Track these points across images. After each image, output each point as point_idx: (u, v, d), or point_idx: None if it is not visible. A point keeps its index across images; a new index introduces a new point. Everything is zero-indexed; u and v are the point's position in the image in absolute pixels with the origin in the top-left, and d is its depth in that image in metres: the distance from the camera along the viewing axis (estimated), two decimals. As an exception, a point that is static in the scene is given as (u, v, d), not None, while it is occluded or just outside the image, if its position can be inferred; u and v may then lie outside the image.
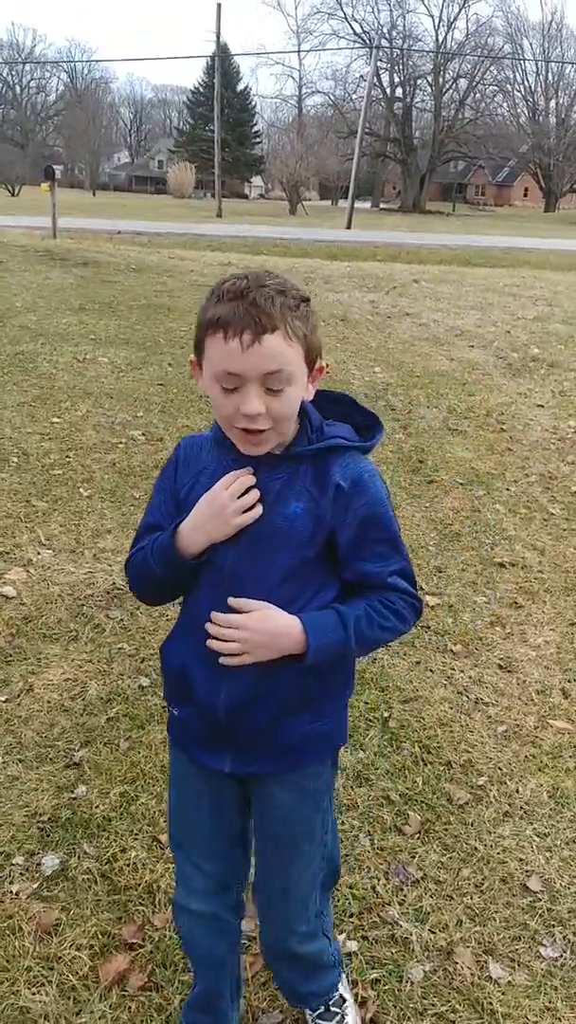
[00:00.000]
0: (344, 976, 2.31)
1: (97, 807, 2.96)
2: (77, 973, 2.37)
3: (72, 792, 3.03)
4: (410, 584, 1.79)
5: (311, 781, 1.89)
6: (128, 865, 2.73)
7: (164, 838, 2.83)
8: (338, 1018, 2.21)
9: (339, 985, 2.25)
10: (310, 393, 1.73)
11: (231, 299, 1.58)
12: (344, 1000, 2.25)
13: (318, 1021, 2.22)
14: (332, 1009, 2.22)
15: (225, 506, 1.69)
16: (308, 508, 1.71)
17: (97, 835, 2.85)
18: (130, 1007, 2.28)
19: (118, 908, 2.59)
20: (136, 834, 2.86)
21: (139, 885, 2.66)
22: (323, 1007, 2.22)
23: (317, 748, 1.87)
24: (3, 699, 3.53)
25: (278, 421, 1.65)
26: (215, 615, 1.73)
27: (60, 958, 2.41)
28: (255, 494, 1.71)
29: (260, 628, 1.69)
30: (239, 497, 1.70)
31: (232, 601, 1.72)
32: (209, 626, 1.73)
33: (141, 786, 3.07)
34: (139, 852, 2.78)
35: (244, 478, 1.70)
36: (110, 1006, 2.28)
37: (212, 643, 1.73)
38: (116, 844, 2.81)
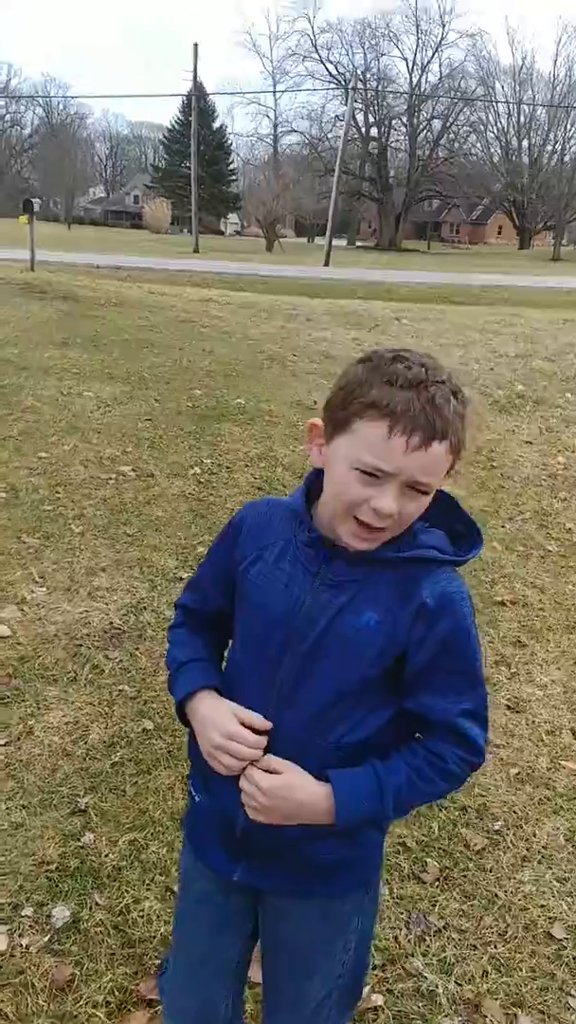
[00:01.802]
0: None
1: (106, 856, 2.88)
2: (95, 1033, 2.28)
3: (79, 840, 2.94)
4: (480, 728, 1.57)
5: (332, 914, 1.68)
6: (142, 916, 2.65)
7: (177, 888, 2.75)
8: None
9: None
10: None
11: (406, 387, 1.40)
12: None
13: None
14: None
15: (218, 747, 1.56)
16: (383, 621, 1.50)
17: (108, 885, 2.77)
18: (152, 1068, 2.20)
19: (134, 962, 2.50)
20: (148, 884, 2.78)
21: (154, 937, 2.58)
22: None
23: (346, 879, 1.66)
24: (3, 742, 3.43)
25: (401, 526, 1.50)
26: (248, 773, 1.56)
27: (76, 1016, 2.32)
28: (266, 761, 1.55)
29: (285, 796, 1.53)
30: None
31: (262, 763, 1.55)
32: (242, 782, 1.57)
33: (151, 833, 2.99)
34: (152, 903, 2.70)
35: (246, 750, 1.55)
36: (131, 1068, 2.20)
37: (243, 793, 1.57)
38: (128, 895, 2.73)
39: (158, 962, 2.50)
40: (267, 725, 1.56)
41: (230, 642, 1.74)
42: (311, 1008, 1.73)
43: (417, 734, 1.60)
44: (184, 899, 1.85)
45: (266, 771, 1.54)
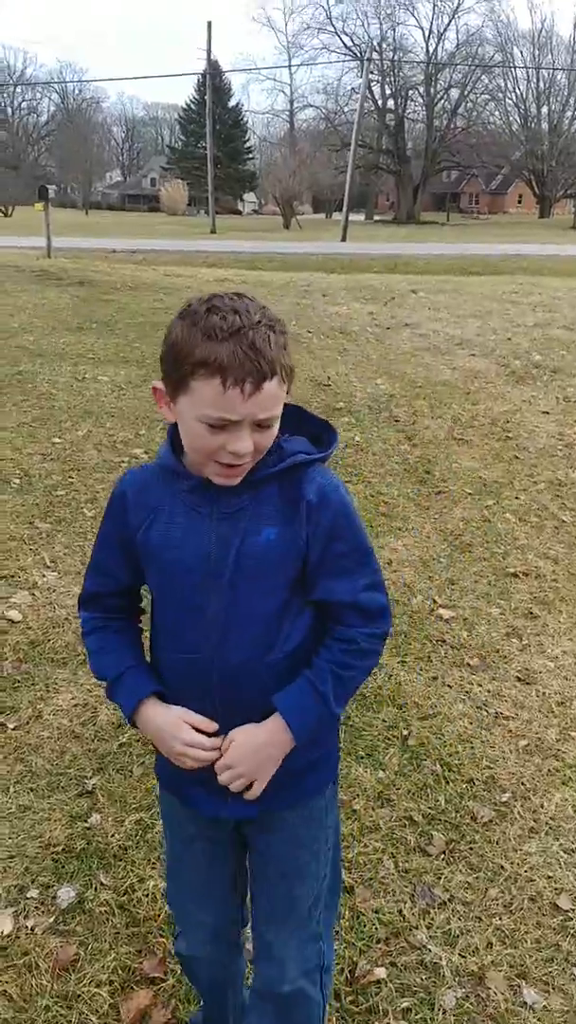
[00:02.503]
0: None
1: (112, 836, 2.89)
2: (97, 1011, 2.29)
3: (86, 821, 2.96)
4: (381, 595, 1.70)
5: (312, 812, 1.82)
6: (147, 895, 2.66)
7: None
8: None
9: None
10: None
11: (226, 339, 1.47)
12: None
13: None
14: None
15: (181, 753, 1.67)
16: (281, 532, 1.62)
17: (113, 865, 2.78)
18: (153, 1046, 2.21)
19: (138, 941, 2.51)
20: (154, 863, 2.78)
21: (158, 916, 2.59)
22: None
23: (317, 776, 1.82)
24: (12, 726, 3.45)
25: (259, 454, 1.59)
26: (217, 769, 1.67)
27: (79, 996, 2.34)
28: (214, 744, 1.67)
29: (254, 754, 1.66)
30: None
31: (220, 755, 1.67)
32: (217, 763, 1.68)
33: (157, 813, 2.99)
34: (157, 882, 2.70)
35: (207, 754, 1.66)
36: (133, 1045, 2.21)
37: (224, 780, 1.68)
38: (133, 874, 2.74)
39: (160, 942, 2.51)
40: (213, 727, 1.67)
41: (148, 607, 1.81)
42: (303, 914, 1.84)
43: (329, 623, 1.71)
44: (174, 840, 1.93)
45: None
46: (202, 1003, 2.15)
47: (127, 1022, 2.26)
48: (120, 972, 2.41)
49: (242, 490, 1.62)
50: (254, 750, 1.65)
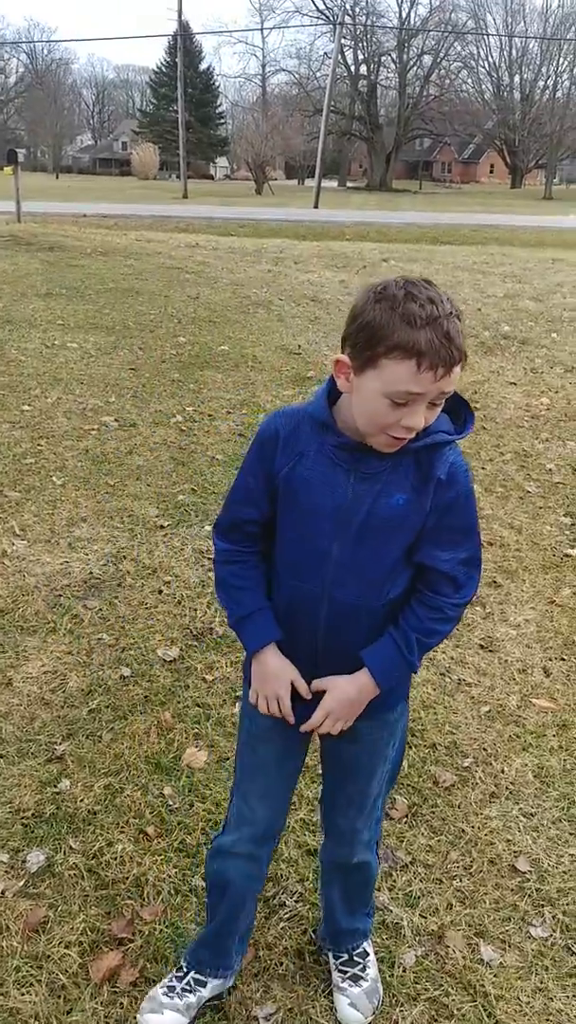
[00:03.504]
0: (371, 935, 2.43)
1: (81, 801, 2.93)
2: (67, 971, 2.34)
3: (55, 787, 2.99)
4: (475, 571, 1.89)
5: (385, 723, 2.05)
6: (115, 859, 2.70)
7: (151, 830, 2.81)
8: (360, 967, 2.32)
9: (367, 940, 2.39)
10: None
11: (424, 327, 1.59)
12: (367, 954, 2.37)
13: (341, 968, 2.33)
14: (356, 959, 2.34)
15: (269, 696, 1.96)
16: (410, 499, 1.78)
17: (82, 829, 2.82)
18: (122, 1003, 2.25)
19: (106, 903, 2.56)
20: (122, 827, 2.83)
21: (127, 879, 2.63)
22: (347, 955, 2.34)
23: (393, 697, 2.02)
24: (-18, 693, 3.48)
25: (425, 429, 1.72)
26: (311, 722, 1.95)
27: (49, 956, 2.38)
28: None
29: (343, 708, 1.91)
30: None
31: (316, 685, 1.93)
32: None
33: (126, 778, 3.04)
34: (126, 845, 2.75)
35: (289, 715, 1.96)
36: (101, 1003, 2.26)
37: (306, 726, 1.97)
38: (102, 838, 2.78)
39: (128, 904, 2.56)
40: (309, 695, 1.94)
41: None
42: (370, 804, 2.14)
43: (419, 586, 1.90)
44: (249, 734, 2.13)
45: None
46: (210, 920, 2.27)
47: (96, 982, 2.31)
48: (89, 933, 2.45)
49: (385, 456, 1.77)
50: (349, 703, 1.91)
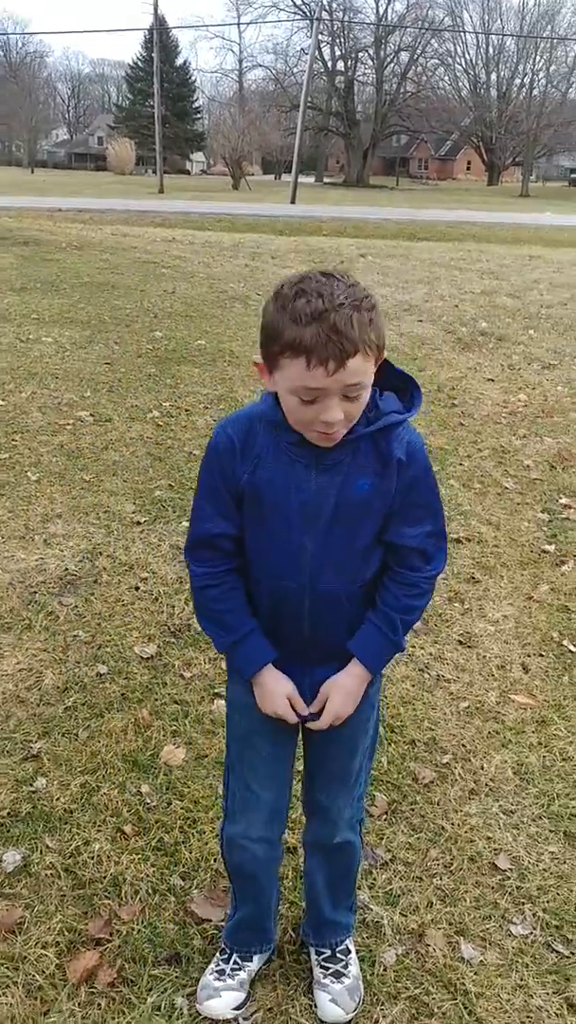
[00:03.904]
0: (353, 932, 2.42)
1: (58, 799, 2.90)
2: (44, 972, 2.30)
3: (31, 785, 2.96)
4: (442, 543, 1.95)
5: (367, 697, 2.05)
6: (92, 858, 2.67)
7: (128, 829, 2.78)
8: (342, 964, 2.31)
9: (350, 937, 2.39)
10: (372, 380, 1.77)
11: (309, 323, 1.59)
12: (349, 951, 2.35)
13: (324, 964, 2.32)
14: (338, 956, 2.32)
15: (270, 711, 1.99)
16: (374, 483, 1.82)
17: (59, 828, 2.79)
18: (99, 1004, 2.23)
19: (83, 903, 2.53)
20: (99, 826, 2.80)
21: (104, 878, 2.61)
22: (329, 951, 2.33)
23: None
24: (-44, 691, 3.44)
25: (351, 420, 1.74)
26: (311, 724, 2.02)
27: (25, 957, 2.35)
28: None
29: (348, 704, 1.98)
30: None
31: (318, 700, 2.00)
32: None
33: (103, 776, 3.01)
34: (103, 844, 2.72)
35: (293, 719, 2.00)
36: (79, 1004, 2.23)
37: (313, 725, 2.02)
38: (79, 837, 2.75)
39: (106, 903, 2.53)
40: (306, 712, 2.00)
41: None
42: (352, 780, 2.16)
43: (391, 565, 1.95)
44: (243, 728, 2.13)
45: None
46: (239, 907, 2.30)
47: (73, 983, 2.28)
48: (66, 934, 2.42)
49: (341, 446, 1.79)
50: (353, 698, 1.98)
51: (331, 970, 2.29)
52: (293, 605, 1.92)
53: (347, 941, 2.36)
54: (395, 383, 1.88)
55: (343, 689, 1.96)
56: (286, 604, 1.92)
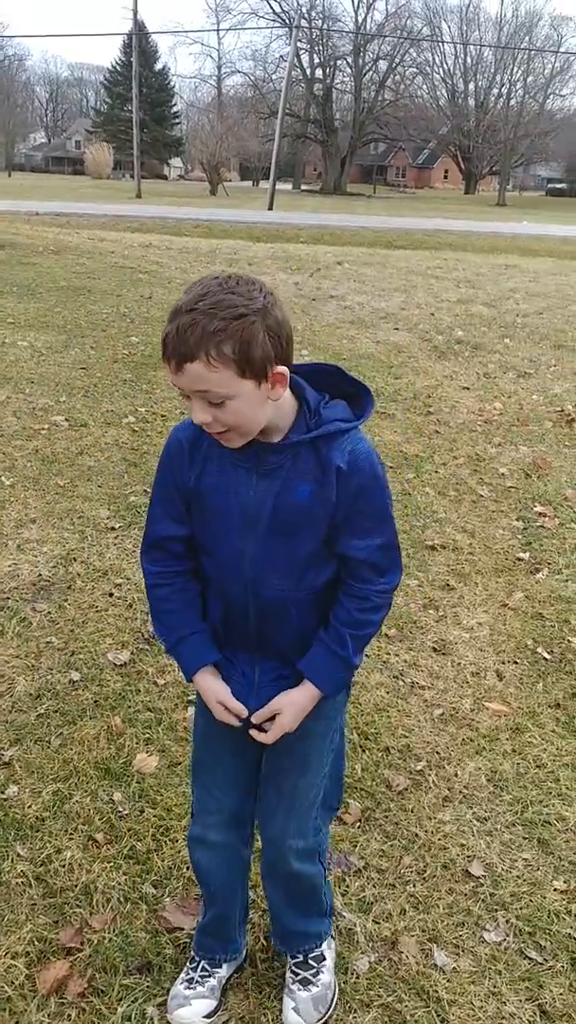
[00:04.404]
0: (330, 939, 2.37)
1: (29, 807, 2.87)
2: (13, 983, 2.28)
3: (2, 793, 2.93)
4: (395, 554, 1.91)
5: (323, 711, 2.02)
6: (63, 866, 2.65)
7: (100, 837, 2.76)
8: (312, 971, 2.27)
9: (324, 943, 2.33)
10: (277, 394, 1.72)
11: (169, 320, 1.63)
12: (323, 958, 2.31)
13: (295, 968, 2.28)
14: (310, 962, 2.28)
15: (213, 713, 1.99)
16: (314, 490, 1.80)
17: (30, 836, 2.76)
18: (70, 1015, 2.20)
19: (54, 912, 2.50)
20: (71, 834, 2.78)
21: (75, 887, 2.58)
22: (302, 956, 2.28)
23: None
24: None
25: (233, 427, 1.71)
26: (256, 735, 1.99)
27: (-6, 967, 2.33)
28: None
29: (296, 719, 1.95)
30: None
31: (256, 732, 1.99)
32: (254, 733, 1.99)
33: (75, 783, 2.99)
34: (74, 852, 2.70)
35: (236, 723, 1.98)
36: (48, 1015, 2.20)
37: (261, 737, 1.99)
38: (50, 845, 2.73)
39: (77, 912, 2.51)
40: (244, 713, 1.97)
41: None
42: (304, 807, 2.09)
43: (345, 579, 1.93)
44: (203, 729, 2.14)
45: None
46: (207, 909, 2.27)
47: (43, 993, 2.26)
48: (36, 943, 2.40)
49: (282, 451, 1.79)
50: (302, 714, 1.95)
51: (300, 976, 2.26)
52: (240, 608, 1.92)
53: (321, 947, 2.31)
54: (347, 390, 1.88)
55: (296, 706, 1.94)
56: (233, 607, 1.93)
